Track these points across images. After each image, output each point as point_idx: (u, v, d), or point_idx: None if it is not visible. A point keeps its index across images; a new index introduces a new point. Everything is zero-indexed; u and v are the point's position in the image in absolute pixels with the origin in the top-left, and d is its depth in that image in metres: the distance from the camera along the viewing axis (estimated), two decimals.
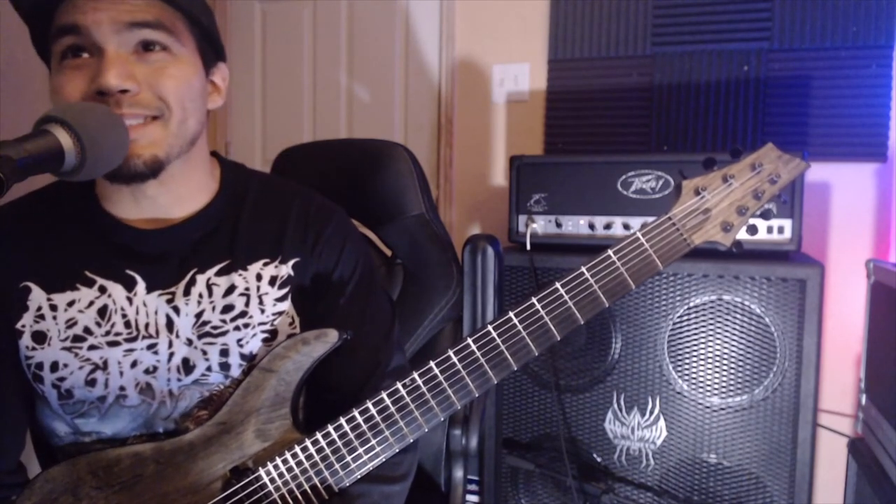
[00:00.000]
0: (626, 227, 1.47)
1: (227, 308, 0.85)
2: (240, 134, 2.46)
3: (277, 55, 2.37)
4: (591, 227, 1.50)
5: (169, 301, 0.84)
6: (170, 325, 0.83)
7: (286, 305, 0.87)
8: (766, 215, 0.82)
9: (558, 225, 1.53)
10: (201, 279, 0.85)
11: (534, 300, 0.78)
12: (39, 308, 0.82)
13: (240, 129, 2.46)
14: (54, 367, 0.81)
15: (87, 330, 0.82)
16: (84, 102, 0.75)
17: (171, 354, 0.83)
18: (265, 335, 0.86)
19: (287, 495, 0.78)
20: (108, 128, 0.68)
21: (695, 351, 1.41)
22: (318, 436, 0.78)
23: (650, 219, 1.45)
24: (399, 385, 0.78)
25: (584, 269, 0.78)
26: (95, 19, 0.73)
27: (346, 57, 2.30)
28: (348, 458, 0.78)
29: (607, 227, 1.49)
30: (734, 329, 1.39)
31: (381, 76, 2.26)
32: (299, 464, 0.78)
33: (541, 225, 1.55)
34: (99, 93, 0.73)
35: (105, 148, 0.67)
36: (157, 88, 0.76)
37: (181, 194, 0.85)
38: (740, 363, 1.38)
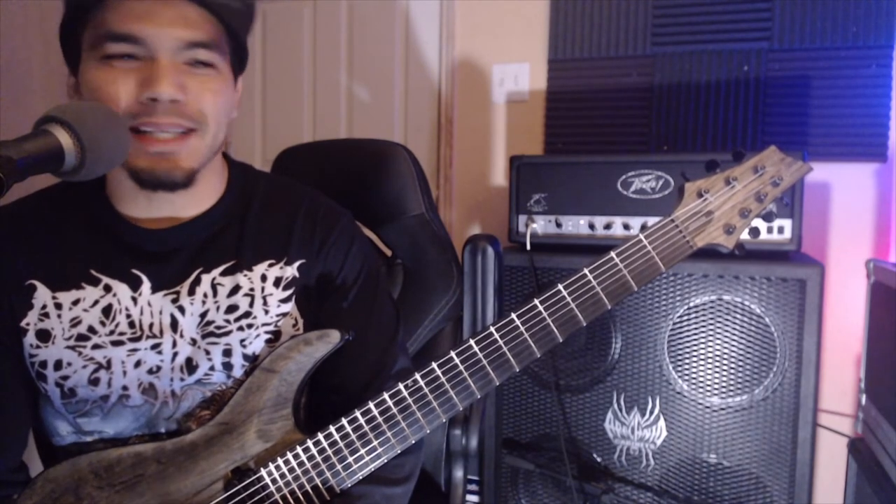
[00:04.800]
0: (626, 227, 1.47)
1: (232, 308, 0.85)
2: (240, 134, 2.46)
3: (277, 55, 2.36)
4: (591, 227, 1.50)
5: (174, 300, 0.84)
6: (174, 324, 0.83)
7: (290, 307, 0.87)
8: (767, 218, 0.83)
9: (558, 225, 1.53)
10: (206, 279, 0.85)
11: (536, 302, 0.78)
12: (44, 306, 0.82)
13: (240, 129, 2.45)
14: (58, 365, 0.81)
15: (92, 329, 0.82)
16: (84, 102, 0.75)
17: (175, 354, 0.83)
18: (268, 336, 0.86)
19: (289, 496, 0.78)
20: (108, 128, 0.68)
21: (695, 351, 1.41)
22: (320, 436, 0.78)
23: (650, 219, 1.46)
24: (401, 386, 0.78)
25: (586, 270, 0.78)
26: (156, 35, 0.75)
27: (346, 57, 2.30)
28: (350, 459, 0.78)
29: (607, 227, 1.49)
30: (734, 329, 1.39)
31: (381, 76, 2.26)
32: (301, 464, 0.78)
33: (541, 225, 1.55)
34: (150, 99, 0.74)
35: (105, 148, 0.67)
36: (201, 102, 0.78)
37: (195, 196, 0.86)
38: (740, 363, 1.38)
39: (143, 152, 0.77)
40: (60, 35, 0.81)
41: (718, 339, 1.40)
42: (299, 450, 0.78)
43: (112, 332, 0.82)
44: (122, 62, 0.75)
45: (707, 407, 1.41)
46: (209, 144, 0.81)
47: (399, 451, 0.79)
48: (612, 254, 0.79)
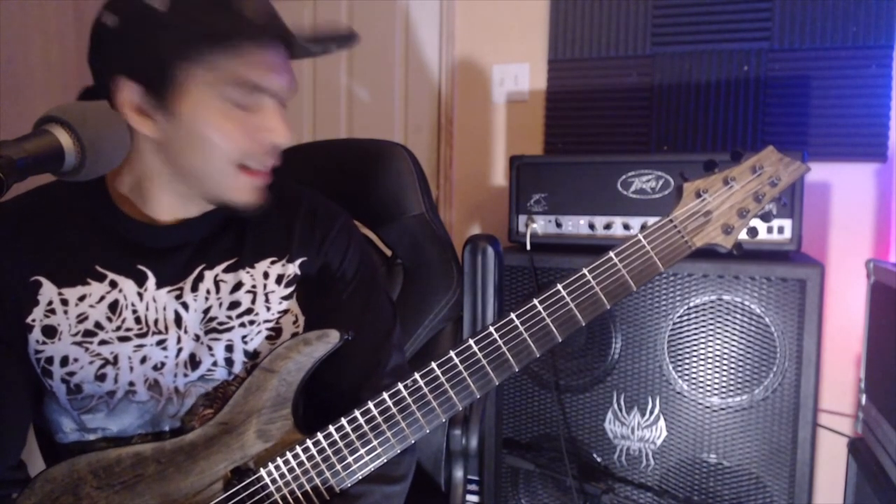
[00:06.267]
0: (626, 227, 1.47)
1: (234, 304, 0.86)
2: None
3: None
4: (591, 227, 1.50)
5: (177, 297, 0.84)
6: (178, 320, 0.84)
7: (291, 304, 0.88)
8: (766, 217, 0.83)
9: (558, 225, 1.53)
10: (209, 275, 0.86)
11: (535, 301, 0.78)
12: (50, 302, 0.82)
13: None
14: (64, 361, 0.81)
15: (98, 325, 0.82)
16: (84, 102, 0.75)
17: (180, 350, 0.84)
18: (269, 333, 0.86)
19: (288, 496, 0.78)
20: (108, 128, 0.68)
21: (695, 351, 1.41)
22: (320, 436, 0.79)
23: (650, 219, 1.46)
24: (401, 386, 0.78)
25: (585, 270, 0.79)
26: (280, 85, 0.81)
27: (346, 57, 2.30)
28: (349, 459, 0.78)
29: (607, 227, 1.49)
30: (734, 329, 1.39)
31: (381, 76, 2.26)
32: (300, 464, 0.78)
33: (541, 225, 1.55)
34: (273, 144, 0.82)
35: (105, 148, 0.67)
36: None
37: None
38: (740, 363, 1.38)
39: (250, 186, 0.82)
40: (142, 52, 0.77)
41: (718, 339, 1.40)
42: (299, 450, 0.78)
43: (119, 328, 0.83)
44: (239, 110, 0.79)
45: (707, 407, 1.41)
46: None
47: (399, 451, 0.79)
48: (611, 254, 0.79)
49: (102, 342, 0.82)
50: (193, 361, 0.84)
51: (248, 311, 0.86)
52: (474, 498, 1.50)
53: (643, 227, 0.81)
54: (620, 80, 1.95)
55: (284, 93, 0.83)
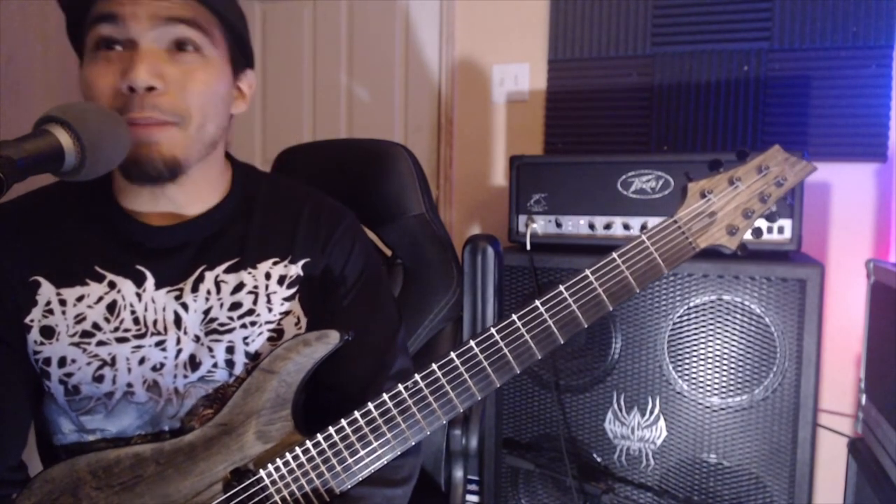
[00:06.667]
0: (626, 227, 1.47)
1: (235, 305, 0.85)
2: (240, 134, 2.46)
3: (277, 55, 2.36)
4: (591, 227, 1.50)
5: (177, 297, 0.84)
6: (178, 321, 0.83)
7: (293, 305, 0.87)
8: (771, 218, 0.82)
9: (558, 225, 1.53)
10: (210, 276, 0.85)
11: (537, 303, 0.78)
12: (48, 303, 0.82)
13: (240, 129, 2.45)
14: (62, 362, 0.81)
15: (96, 325, 0.82)
16: (84, 102, 0.74)
17: (179, 351, 0.83)
18: (271, 334, 0.86)
19: (288, 497, 0.78)
20: (108, 128, 0.68)
21: (695, 351, 1.41)
22: (320, 437, 0.78)
23: (650, 219, 1.46)
24: (401, 387, 0.78)
25: (588, 271, 0.78)
26: (133, 11, 0.74)
27: (346, 57, 2.30)
28: (350, 460, 0.78)
29: (607, 227, 1.49)
30: (734, 329, 1.39)
31: (381, 76, 2.26)
32: (300, 465, 0.78)
33: (541, 225, 1.54)
34: (129, 89, 0.73)
35: (105, 148, 0.67)
36: (183, 92, 0.77)
37: (198, 194, 0.86)
38: (740, 363, 1.38)
39: (136, 140, 0.74)
40: (69, 38, 0.82)
41: (718, 339, 1.40)
42: (298, 451, 0.78)
43: (117, 329, 0.82)
44: (106, 53, 0.75)
45: (707, 407, 1.41)
46: (193, 136, 0.79)
47: (399, 453, 0.79)
48: (614, 254, 0.78)
49: (100, 343, 0.82)
50: (193, 363, 0.84)
51: (250, 313, 0.85)
52: (474, 498, 1.50)
53: (644, 228, 0.80)
54: (620, 80, 1.95)
55: (146, 19, 0.74)
